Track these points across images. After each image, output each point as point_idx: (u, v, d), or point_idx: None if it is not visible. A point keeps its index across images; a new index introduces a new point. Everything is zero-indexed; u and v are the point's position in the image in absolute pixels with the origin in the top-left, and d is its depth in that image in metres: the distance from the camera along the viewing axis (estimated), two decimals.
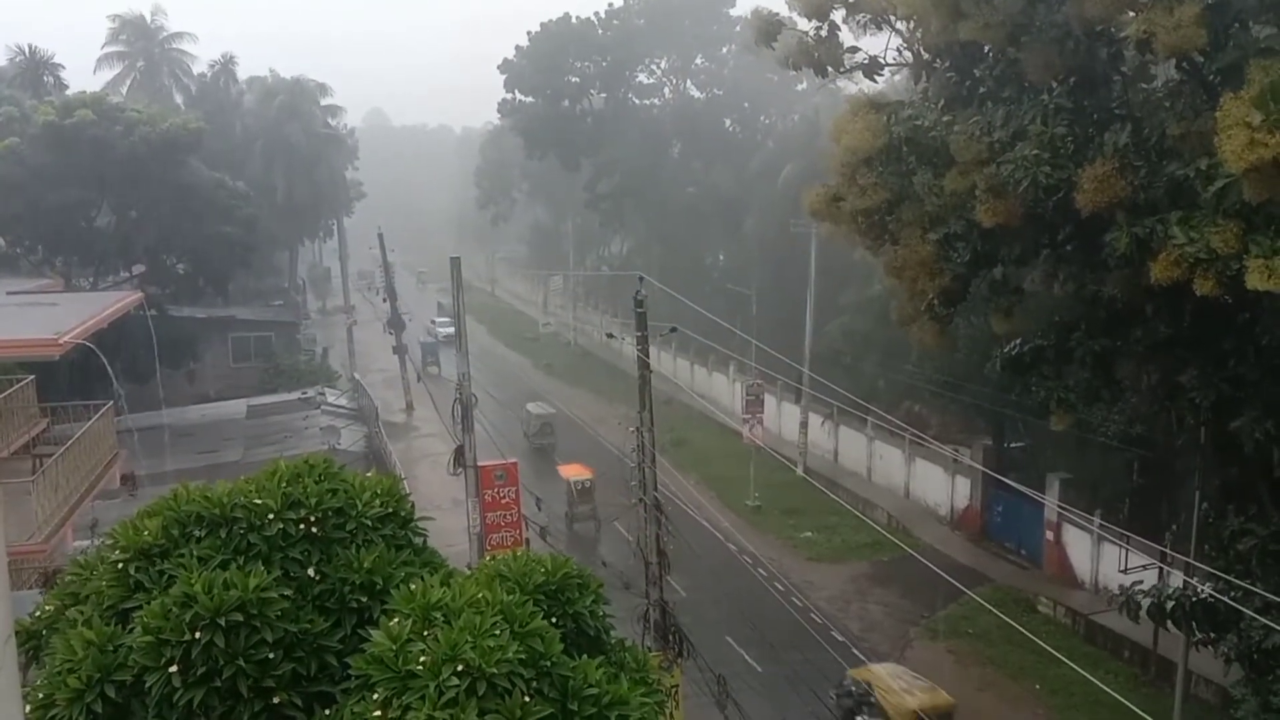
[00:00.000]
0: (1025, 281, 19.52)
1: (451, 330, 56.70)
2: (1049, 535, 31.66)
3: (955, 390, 35.53)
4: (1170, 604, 18.63)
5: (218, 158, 53.75)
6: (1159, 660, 25.23)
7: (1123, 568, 25.41)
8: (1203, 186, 14.68)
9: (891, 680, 22.52)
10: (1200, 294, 14.64)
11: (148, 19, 69.70)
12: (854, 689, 22.61)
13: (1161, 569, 22.18)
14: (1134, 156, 15.64)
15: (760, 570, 31.05)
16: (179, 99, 68.11)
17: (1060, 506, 29.84)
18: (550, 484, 35.78)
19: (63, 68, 55.66)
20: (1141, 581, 20.37)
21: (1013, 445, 35.54)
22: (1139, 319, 17.91)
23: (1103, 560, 29.29)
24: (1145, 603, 19.07)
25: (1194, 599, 18.14)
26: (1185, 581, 18.43)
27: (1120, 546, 26.68)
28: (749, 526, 36.67)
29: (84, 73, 65.13)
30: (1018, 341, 19.62)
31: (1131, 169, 15.52)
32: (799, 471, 40.49)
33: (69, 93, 50.91)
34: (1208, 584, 17.62)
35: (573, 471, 37.46)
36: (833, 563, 33.89)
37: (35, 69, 53.91)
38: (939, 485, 37.05)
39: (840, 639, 27.54)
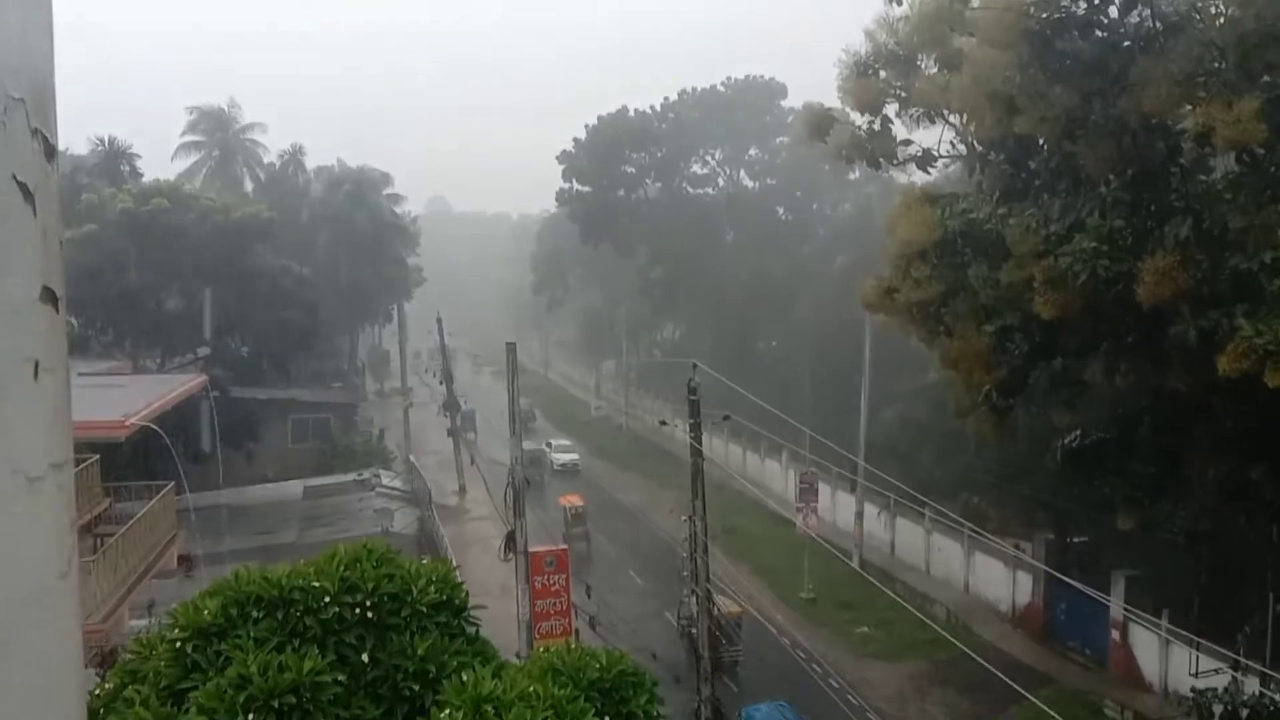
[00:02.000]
0: (1086, 373, 19.27)
1: (566, 458, 59.17)
2: (1115, 635, 30.51)
3: (1015, 482, 34.81)
4: (1245, 711, 17.81)
5: (285, 243, 55.44)
6: None
7: (1193, 671, 24.36)
8: (1268, 279, 14.49)
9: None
10: (1272, 386, 14.33)
11: (225, 110, 72.76)
12: (684, 611, 30.93)
13: (1234, 674, 21.24)
14: (1195, 249, 15.52)
15: (814, 666, 30.28)
16: (249, 186, 70.69)
17: (1126, 609, 28.81)
18: (542, 512, 39.54)
19: (139, 157, 58.16)
20: (1215, 688, 19.52)
21: (1076, 540, 34.53)
22: (1205, 412, 17.54)
23: (1172, 662, 28.09)
24: (1218, 709, 18.25)
25: (1271, 707, 17.32)
26: (1261, 690, 17.63)
27: (1190, 649, 25.64)
28: (803, 620, 35.86)
29: (161, 157, 68.14)
30: (1078, 434, 19.29)
31: (1193, 262, 15.39)
32: (854, 564, 39.69)
33: (145, 180, 53.09)
34: None
35: (569, 500, 44.94)
36: (890, 660, 32.91)
37: (114, 158, 56.36)
38: (1000, 580, 36.03)
39: None
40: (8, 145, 1.54)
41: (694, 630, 29.17)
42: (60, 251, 1.70)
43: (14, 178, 1.56)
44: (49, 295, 1.62)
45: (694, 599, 29.25)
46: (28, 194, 1.58)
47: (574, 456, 61.47)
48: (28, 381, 1.51)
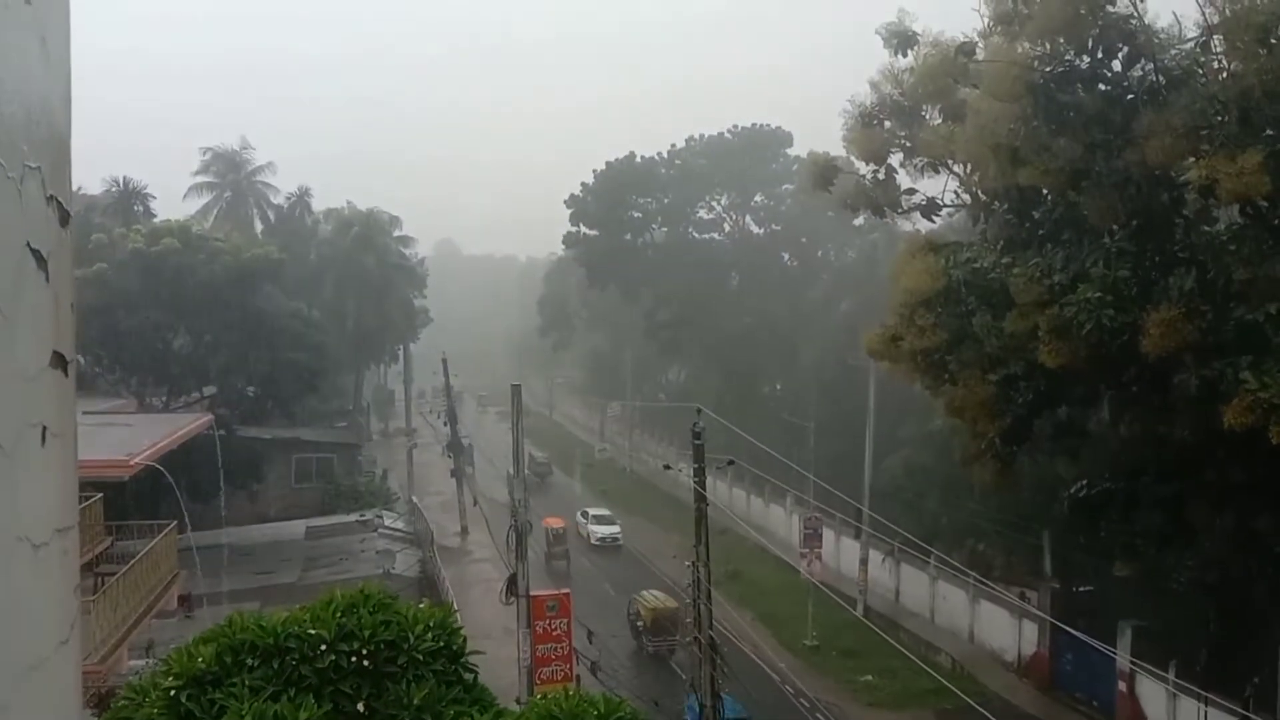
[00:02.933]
0: (1090, 422, 19.24)
1: (606, 531, 53.00)
2: (1122, 686, 30.11)
3: (1020, 530, 34.55)
4: None
5: (292, 284, 55.70)
6: None
7: None
8: (1273, 331, 14.50)
9: (647, 596, 36.31)
10: (1277, 443, 14.28)
11: (238, 151, 73.41)
12: (631, 608, 36.83)
13: None
14: (1200, 301, 15.55)
15: (818, 715, 29.92)
16: (259, 227, 71.17)
17: (1132, 661, 28.44)
18: (533, 539, 39.37)
19: (153, 198, 58.65)
20: None
21: (1082, 589, 34.20)
22: (1210, 462, 17.47)
23: (1180, 714, 27.68)
24: None
25: None
26: None
27: (1198, 701, 25.29)
28: (806, 668, 35.47)
29: (174, 195, 68.75)
30: (1084, 483, 19.22)
31: (1198, 313, 15.41)
32: (858, 611, 39.32)
33: (156, 220, 53.49)
34: None
35: (551, 521, 47.24)
36: (894, 710, 32.48)
37: (127, 198, 56.77)
38: (1005, 629, 35.65)
39: None
40: (23, 213, 1.55)
41: (640, 624, 35.72)
42: (71, 316, 1.72)
43: (28, 245, 1.58)
44: (59, 360, 1.63)
45: (643, 597, 36.32)
46: (41, 260, 1.60)
47: (615, 529, 53.01)
48: (35, 447, 1.52)
